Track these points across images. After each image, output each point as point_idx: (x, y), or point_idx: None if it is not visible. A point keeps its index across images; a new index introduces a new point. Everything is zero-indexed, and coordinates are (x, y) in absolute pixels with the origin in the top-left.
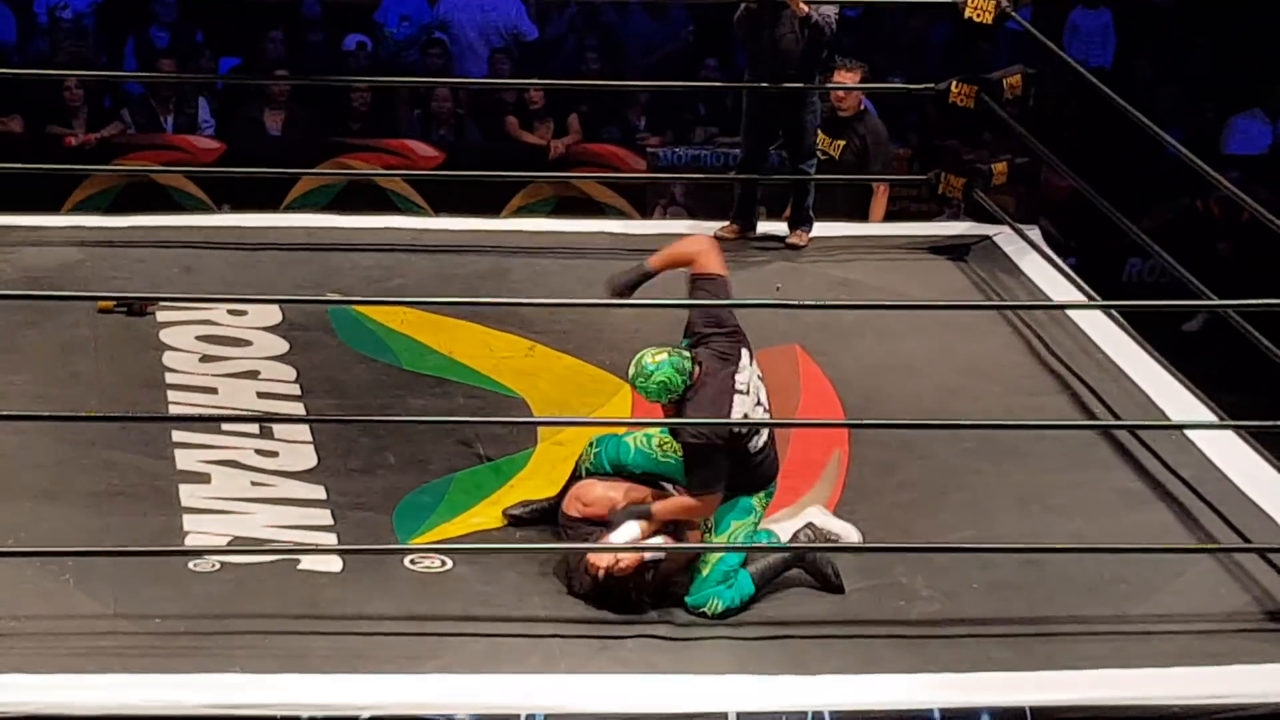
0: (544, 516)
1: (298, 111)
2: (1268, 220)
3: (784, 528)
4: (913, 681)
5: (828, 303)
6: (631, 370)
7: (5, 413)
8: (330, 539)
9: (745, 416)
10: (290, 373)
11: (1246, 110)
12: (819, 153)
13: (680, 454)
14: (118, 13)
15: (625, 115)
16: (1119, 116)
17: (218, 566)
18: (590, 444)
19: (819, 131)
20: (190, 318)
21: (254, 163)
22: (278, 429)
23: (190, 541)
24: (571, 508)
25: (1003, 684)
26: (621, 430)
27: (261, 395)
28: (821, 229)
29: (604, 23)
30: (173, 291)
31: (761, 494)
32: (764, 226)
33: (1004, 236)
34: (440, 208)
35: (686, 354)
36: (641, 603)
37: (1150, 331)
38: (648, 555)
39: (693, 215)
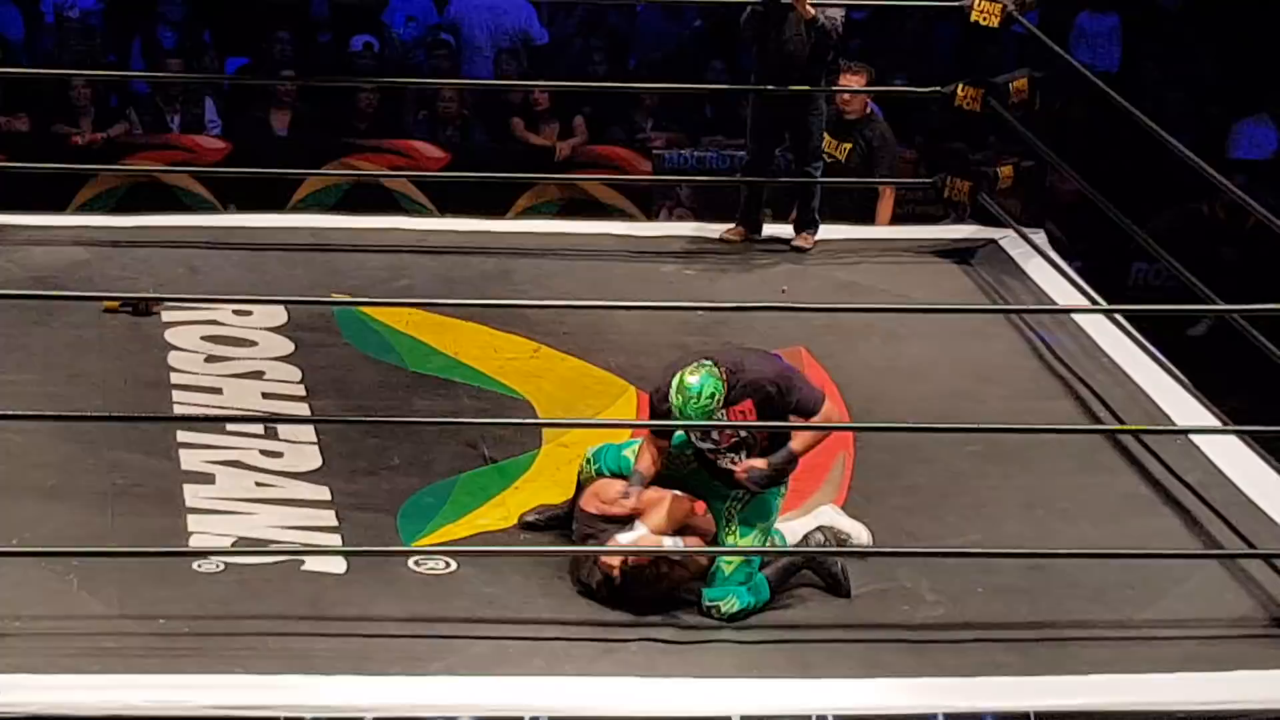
0: (558, 522)
1: (304, 112)
2: (1274, 225)
3: (795, 528)
4: (917, 686)
5: (833, 306)
6: (677, 401)
7: (10, 412)
8: (335, 540)
9: None
10: (295, 373)
11: (1253, 115)
12: (825, 155)
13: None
14: (125, 12)
15: (631, 117)
16: (1125, 120)
17: (222, 567)
18: (587, 460)
19: (825, 134)
20: (196, 318)
21: (260, 163)
22: (282, 430)
23: (194, 542)
24: (590, 505)
25: (1007, 688)
26: (624, 435)
27: (266, 396)
28: (827, 231)
29: (610, 24)
30: (178, 291)
31: (780, 485)
32: (769, 229)
33: (1009, 240)
34: (446, 209)
35: (704, 360)
36: (657, 597)
37: (1155, 336)
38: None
39: (698, 217)
